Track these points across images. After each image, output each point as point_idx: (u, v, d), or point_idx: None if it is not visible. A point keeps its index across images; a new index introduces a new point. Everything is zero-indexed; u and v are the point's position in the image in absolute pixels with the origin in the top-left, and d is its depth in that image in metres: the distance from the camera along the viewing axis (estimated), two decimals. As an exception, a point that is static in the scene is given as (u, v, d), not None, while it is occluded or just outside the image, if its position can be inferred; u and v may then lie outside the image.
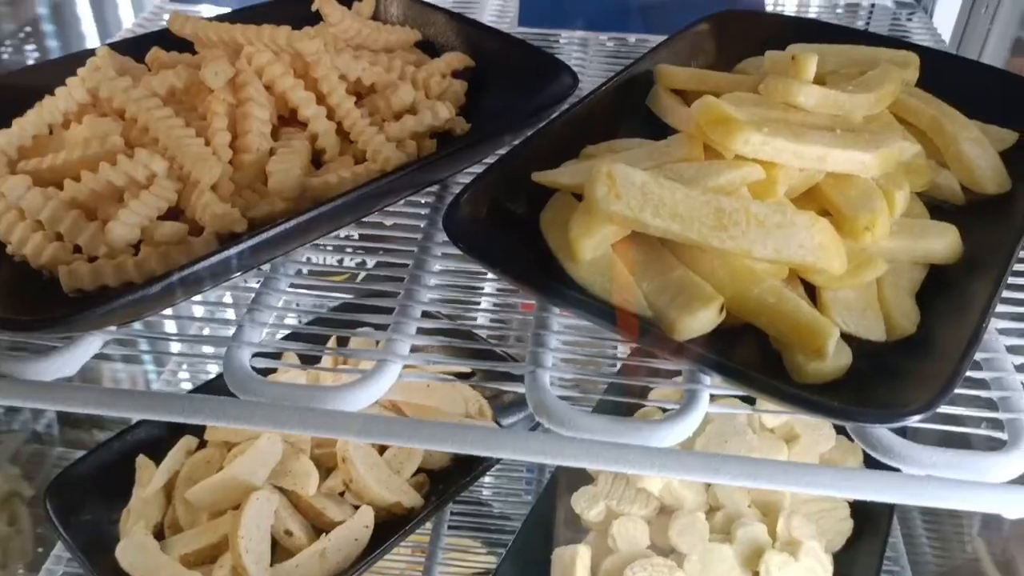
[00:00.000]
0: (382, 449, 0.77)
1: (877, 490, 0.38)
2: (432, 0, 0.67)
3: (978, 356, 0.43)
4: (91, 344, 0.42)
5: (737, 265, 0.41)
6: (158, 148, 0.47)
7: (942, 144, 0.52)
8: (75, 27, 1.04)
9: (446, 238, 0.43)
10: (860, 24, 0.93)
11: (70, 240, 0.43)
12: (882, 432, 0.38)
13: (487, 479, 1.00)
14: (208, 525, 0.72)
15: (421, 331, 0.44)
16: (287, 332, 0.91)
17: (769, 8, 0.89)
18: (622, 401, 0.75)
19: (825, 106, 0.49)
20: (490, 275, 0.46)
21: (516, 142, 0.51)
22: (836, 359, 0.38)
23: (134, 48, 0.57)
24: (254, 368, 0.41)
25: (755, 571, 0.69)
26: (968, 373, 0.37)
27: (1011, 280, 0.45)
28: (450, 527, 0.93)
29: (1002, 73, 0.61)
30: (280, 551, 0.72)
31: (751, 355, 0.40)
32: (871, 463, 0.51)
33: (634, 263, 0.42)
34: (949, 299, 0.43)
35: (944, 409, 0.36)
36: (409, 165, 0.48)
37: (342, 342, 0.77)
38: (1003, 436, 0.39)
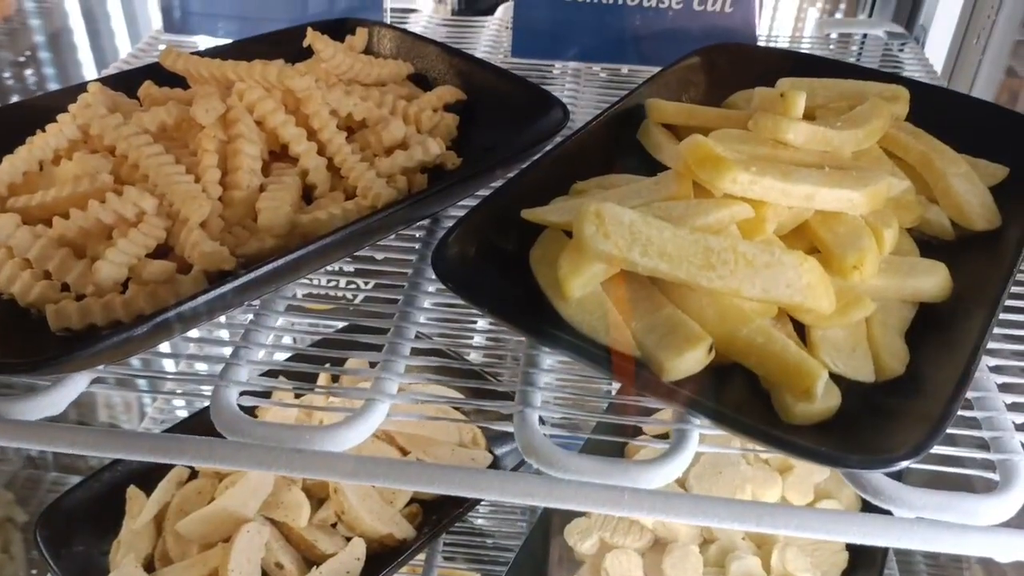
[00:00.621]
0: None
1: (867, 534, 0.37)
2: (426, 31, 0.67)
3: (970, 395, 0.42)
4: (78, 383, 0.42)
5: (726, 304, 0.41)
6: (148, 185, 0.47)
7: (931, 179, 0.51)
8: (72, 55, 1.04)
9: (436, 273, 0.43)
10: (853, 53, 0.94)
11: (58, 278, 0.43)
12: (872, 474, 0.38)
13: (481, 508, 1.00)
14: (198, 558, 0.72)
15: (410, 369, 0.44)
16: (278, 363, 0.90)
17: (762, 37, 0.89)
18: (613, 440, 0.74)
19: (814, 143, 0.49)
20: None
21: (507, 176, 0.51)
22: (825, 400, 0.38)
23: (127, 81, 0.57)
24: (241, 407, 0.41)
25: (750, 604, 0.69)
26: (960, 412, 0.37)
27: (1002, 317, 0.45)
28: (444, 557, 0.92)
29: (992, 107, 0.61)
30: (271, 584, 0.71)
31: (740, 395, 0.40)
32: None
33: (623, 301, 0.42)
34: (939, 337, 0.43)
35: (936, 449, 0.35)
36: (399, 202, 0.48)
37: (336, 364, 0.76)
38: (996, 477, 0.39)
